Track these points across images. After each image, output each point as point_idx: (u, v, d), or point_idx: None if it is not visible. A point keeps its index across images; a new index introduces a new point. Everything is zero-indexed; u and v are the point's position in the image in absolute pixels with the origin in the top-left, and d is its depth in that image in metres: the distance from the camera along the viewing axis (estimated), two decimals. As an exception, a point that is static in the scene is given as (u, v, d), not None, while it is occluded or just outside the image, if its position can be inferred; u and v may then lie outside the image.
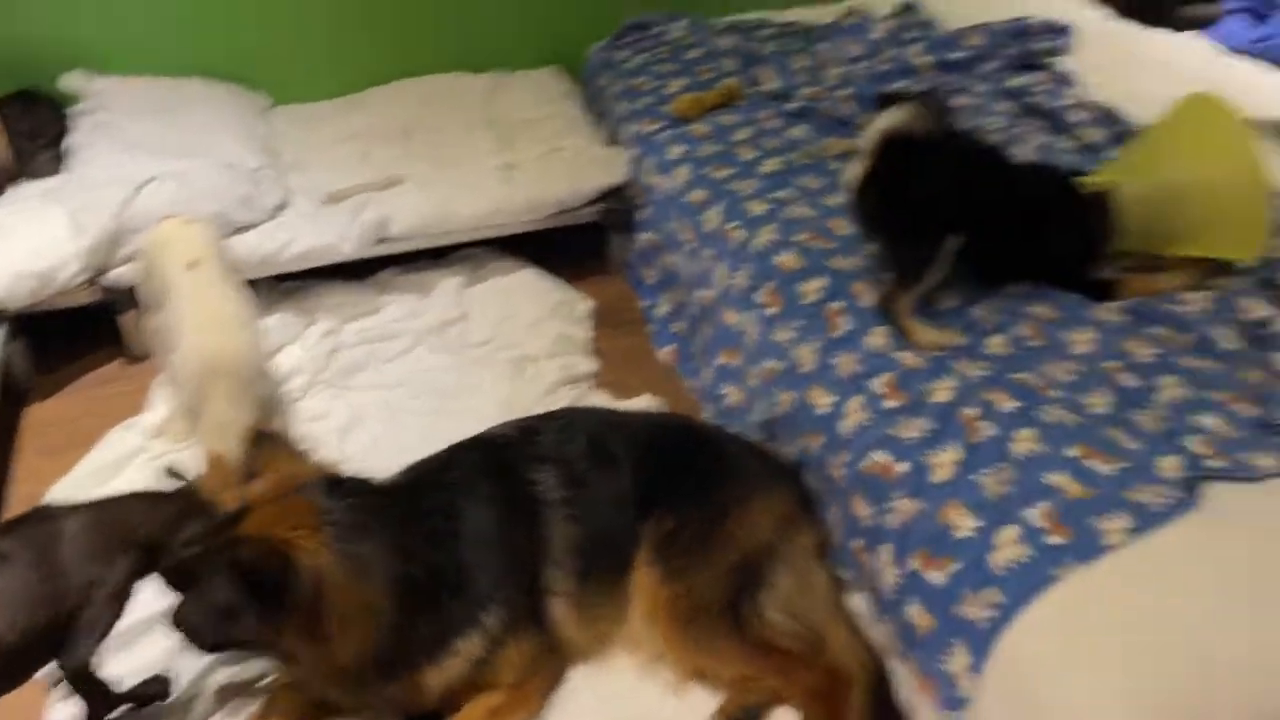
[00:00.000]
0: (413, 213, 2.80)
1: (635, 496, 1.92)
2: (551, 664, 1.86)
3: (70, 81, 3.01)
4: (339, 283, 2.89)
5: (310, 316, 2.78)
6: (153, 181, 2.59)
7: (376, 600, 1.64)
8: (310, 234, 2.73)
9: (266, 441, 1.82)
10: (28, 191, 2.78)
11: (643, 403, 2.50)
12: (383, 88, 3.37)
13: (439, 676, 1.74)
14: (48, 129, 2.90)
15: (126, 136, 2.79)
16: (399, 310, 2.83)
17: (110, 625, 1.66)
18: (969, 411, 1.86)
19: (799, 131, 2.81)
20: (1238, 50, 3.24)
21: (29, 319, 2.59)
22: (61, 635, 1.61)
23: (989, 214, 2.15)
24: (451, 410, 2.50)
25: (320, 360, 2.65)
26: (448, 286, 2.89)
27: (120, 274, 2.56)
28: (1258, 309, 2.06)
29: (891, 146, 2.06)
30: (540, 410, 2.16)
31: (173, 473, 1.81)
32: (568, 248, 3.04)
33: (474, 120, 3.21)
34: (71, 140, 2.87)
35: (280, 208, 2.78)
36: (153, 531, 1.69)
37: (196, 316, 2.24)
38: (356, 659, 1.65)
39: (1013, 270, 2.22)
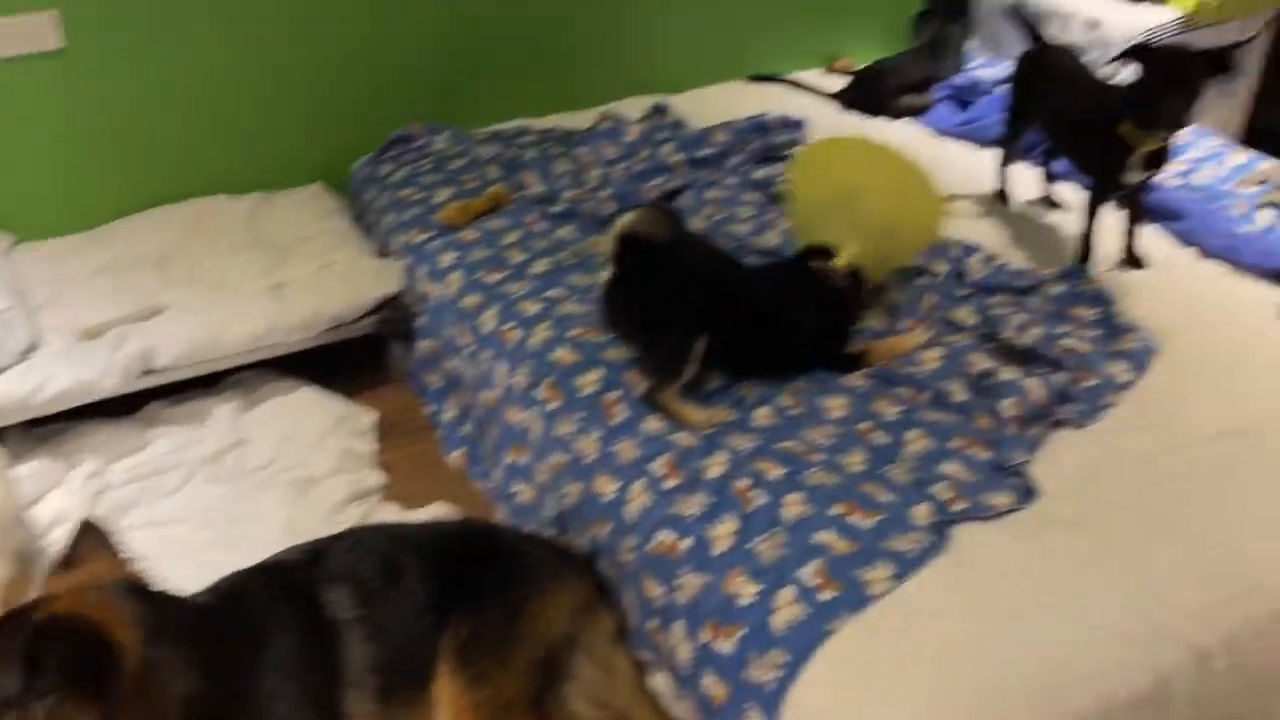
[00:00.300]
0: (179, 341, 2.71)
1: (430, 606, 1.90)
2: None
3: None
4: (103, 421, 2.74)
5: (72, 459, 2.62)
6: (-122, 333, 2.41)
7: (170, 714, 1.55)
8: (66, 373, 2.59)
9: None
10: None
11: (434, 511, 2.49)
12: (139, 215, 3.25)
13: None
14: None
15: None
16: (170, 443, 2.71)
17: None
18: (741, 483, 1.98)
19: (565, 232, 2.93)
20: (946, 133, 3.66)
21: None
22: None
23: (730, 313, 2.31)
24: (232, 540, 2.40)
25: (85, 504, 2.50)
26: (222, 413, 2.79)
27: None
28: (981, 362, 2.31)
29: (629, 248, 2.21)
30: (326, 531, 2.12)
31: None
32: (347, 362, 3.01)
33: (240, 242, 3.16)
34: None
35: (30, 349, 2.62)
36: None
37: None
38: None
39: (767, 364, 2.36)
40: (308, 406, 2.86)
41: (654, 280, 2.23)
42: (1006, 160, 3.14)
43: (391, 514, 2.52)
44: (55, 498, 2.51)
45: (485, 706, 1.83)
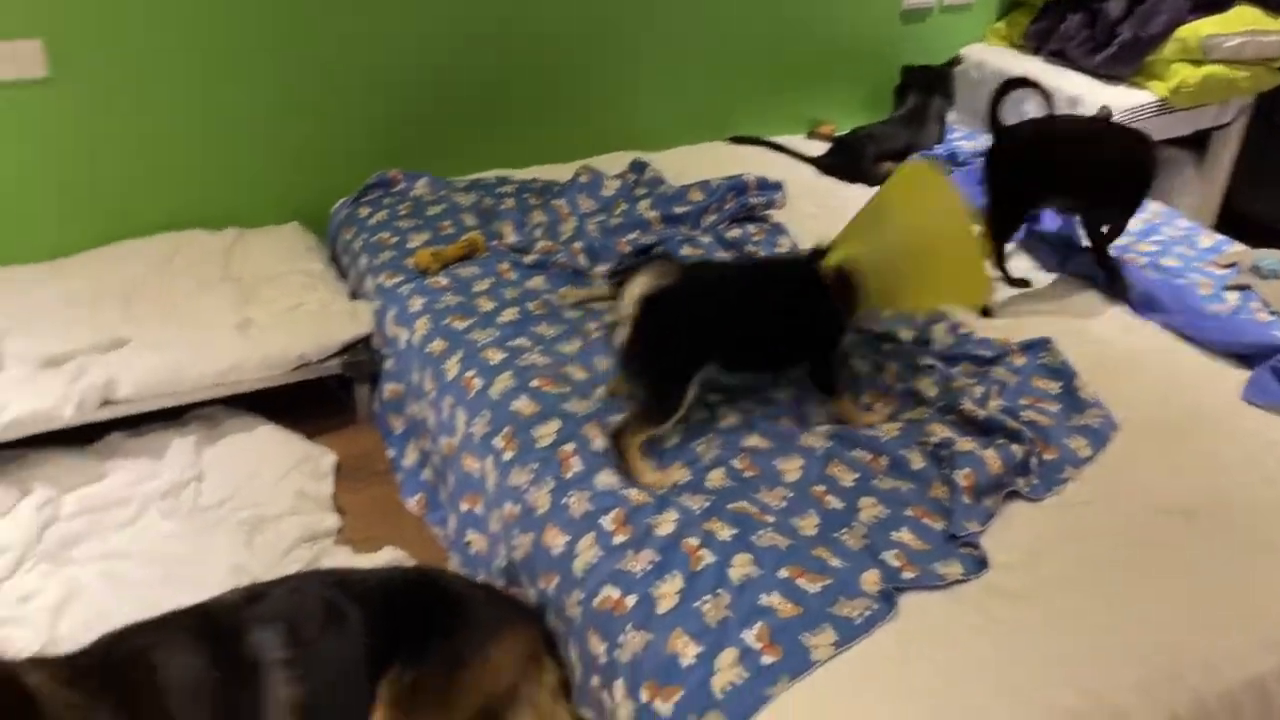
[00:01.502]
0: (141, 373, 2.69)
1: (369, 654, 1.87)
2: None
3: None
4: (58, 450, 2.72)
5: (24, 488, 2.58)
6: None
7: None
8: (25, 400, 2.56)
9: None
10: None
11: (386, 556, 2.47)
12: (111, 246, 3.24)
13: None
14: None
15: None
16: (126, 476, 2.68)
17: None
18: (690, 541, 1.96)
19: (536, 282, 2.94)
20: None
21: None
22: None
23: (745, 322, 2.36)
24: (180, 578, 2.37)
25: (32, 535, 2.46)
26: (181, 447, 2.77)
27: None
28: (941, 431, 2.31)
29: (650, 305, 2.21)
30: (275, 575, 2.09)
31: None
32: (313, 401, 3.00)
33: (210, 277, 3.15)
34: None
35: (-12, 376, 2.61)
36: None
37: None
38: None
39: (769, 362, 2.44)
40: (268, 445, 2.85)
41: (666, 331, 2.25)
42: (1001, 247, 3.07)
43: (343, 558, 2.50)
44: (2, 527, 2.48)
45: None
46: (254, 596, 1.90)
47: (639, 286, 2.23)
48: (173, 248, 3.26)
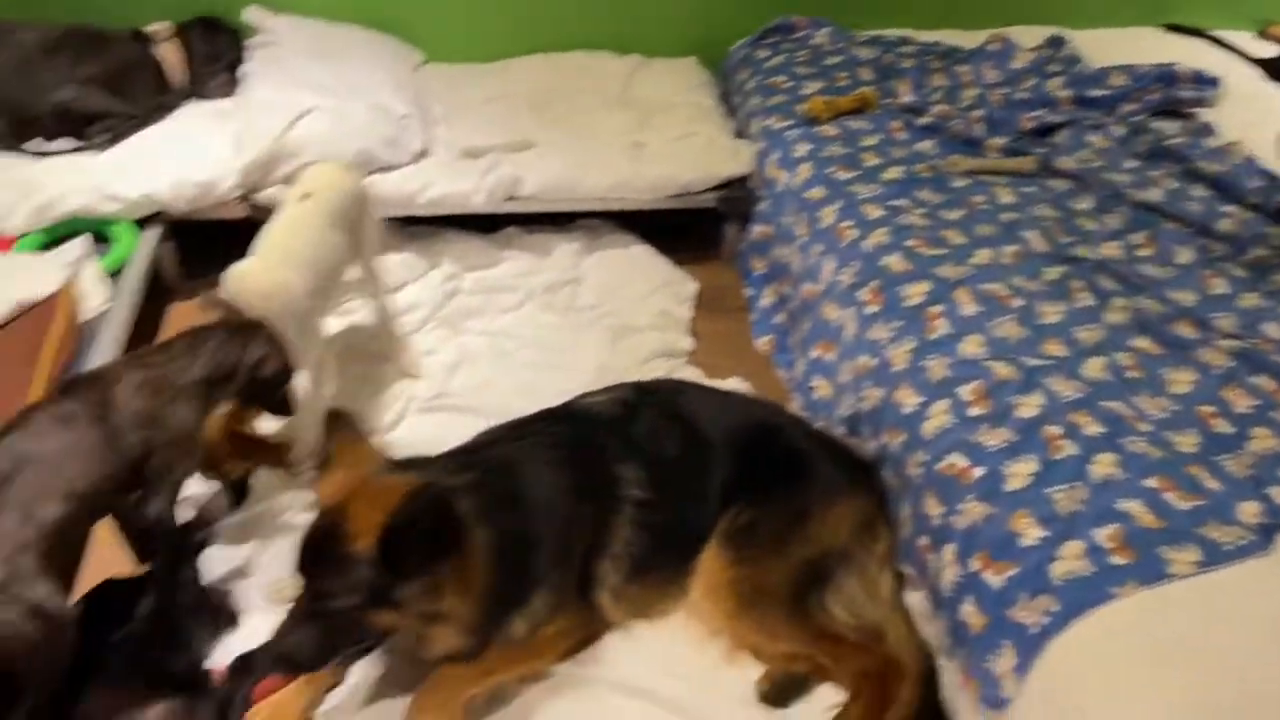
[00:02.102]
0: (543, 176, 2.93)
1: (718, 491, 1.98)
2: (581, 634, 1.90)
3: (251, 16, 3.23)
4: (464, 234, 3.05)
5: (434, 260, 2.94)
6: (311, 113, 2.78)
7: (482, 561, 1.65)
8: (446, 182, 2.88)
9: (338, 423, 1.74)
10: (200, 109, 3.01)
11: (731, 385, 2.57)
12: (529, 57, 3.52)
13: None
14: (225, 55, 3.12)
15: (293, 71, 2.99)
16: (517, 266, 2.97)
17: (181, 474, 1.81)
18: (1053, 429, 1.88)
19: (926, 146, 2.85)
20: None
21: (181, 225, 2.81)
22: (129, 484, 1.77)
23: None
24: (552, 365, 2.62)
25: (438, 301, 2.80)
26: (565, 250, 3.02)
27: (270, 195, 2.75)
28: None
29: None
30: (633, 378, 2.25)
31: (208, 300, 1.99)
32: (682, 231, 3.13)
33: (611, 98, 3.34)
34: (245, 68, 3.09)
35: (421, 155, 2.94)
36: (204, 370, 1.84)
37: (265, 242, 2.17)
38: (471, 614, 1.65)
39: None
40: (640, 263, 3.03)
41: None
42: None
43: (693, 377, 2.63)
44: (413, 289, 2.84)
45: (743, 585, 1.90)
46: (626, 412, 2.01)
47: None
48: (584, 65, 3.47)
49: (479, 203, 2.89)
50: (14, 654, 1.50)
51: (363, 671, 1.83)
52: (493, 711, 1.80)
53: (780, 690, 1.87)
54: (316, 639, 1.57)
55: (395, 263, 2.81)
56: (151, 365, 1.84)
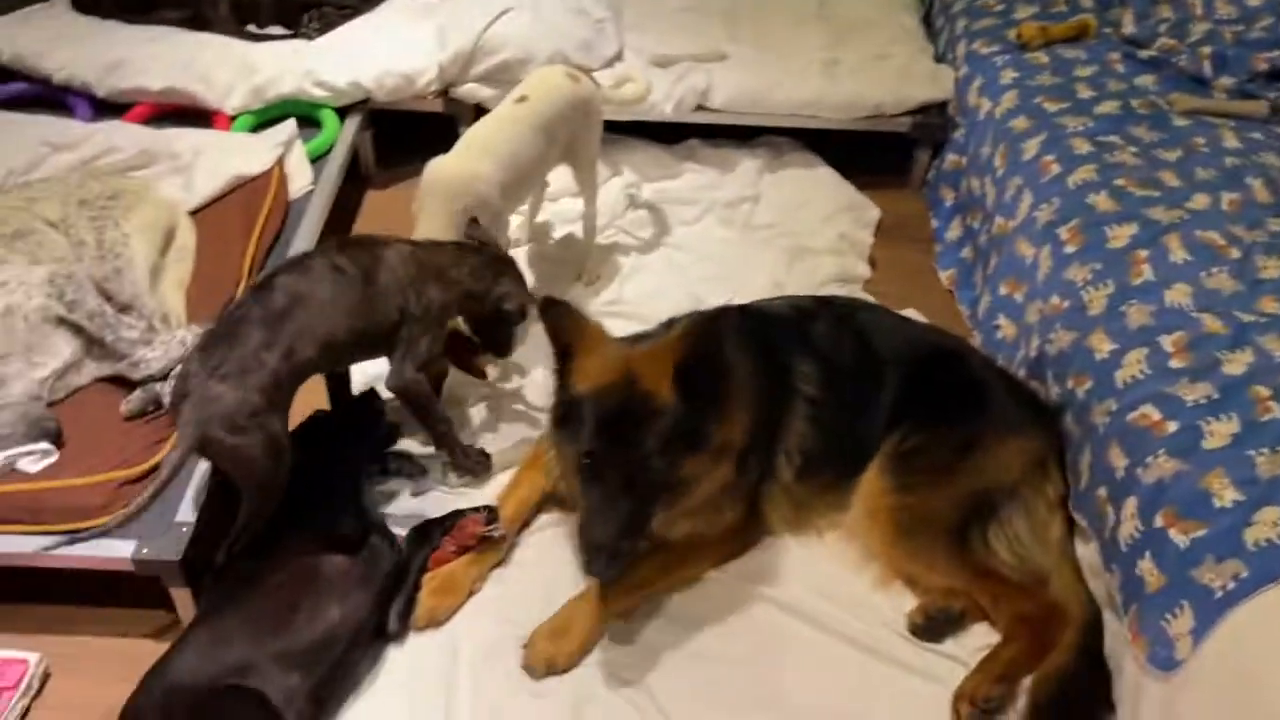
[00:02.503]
0: (734, 88, 2.89)
1: (887, 409, 1.95)
2: (742, 537, 1.93)
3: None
4: (646, 142, 3.05)
5: (616, 169, 2.95)
6: (510, 12, 2.81)
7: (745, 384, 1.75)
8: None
9: (562, 312, 1.72)
10: (407, 4, 3.09)
11: (908, 314, 2.51)
12: (726, -33, 3.44)
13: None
14: (432, -49, 3.19)
15: (497, -30, 3.02)
16: (698, 180, 2.96)
17: (428, 349, 1.91)
18: (1261, 389, 1.76)
19: (1146, 80, 2.67)
20: None
21: (378, 115, 2.91)
22: (378, 343, 1.89)
23: None
24: (725, 280, 2.62)
25: (617, 209, 2.83)
26: (748, 167, 2.98)
27: (466, 90, 2.82)
28: None
29: None
30: (807, 299, 2.22)
31: (472, 231, 2.05)
32: (867, 155, 3.05)
33: (807, 13, 3.25)
34: (450, -35, 3.15)
35: (614, 60, 2.94)
36: (461, 276, 1.94)
37: (469, 135, 2.23)
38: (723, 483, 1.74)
39: None
40: (822, 184, 2.96)
41: None
42: None
43: (869, 304, 2.58)
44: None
45: (905, 513, 1.88)
46: (804, 316, 2.02)
47: None
48: (780, -23, 3.38)
49: (668, 110, 2.88)
50: (255, 476, 1.68)
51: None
52: (652, 615, 1.86)
53: (933, 623, 1.85)
54: (629, 513, 1.62)
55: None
56: (420, 248, 1.96)
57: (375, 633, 1.76)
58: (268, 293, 1.77)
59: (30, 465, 1.83)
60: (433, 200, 2.12)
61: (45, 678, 1.78)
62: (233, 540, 1.74)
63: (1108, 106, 2.53)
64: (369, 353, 1.94)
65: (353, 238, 2.01)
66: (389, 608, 1.77)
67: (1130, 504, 1.75)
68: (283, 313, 1.74)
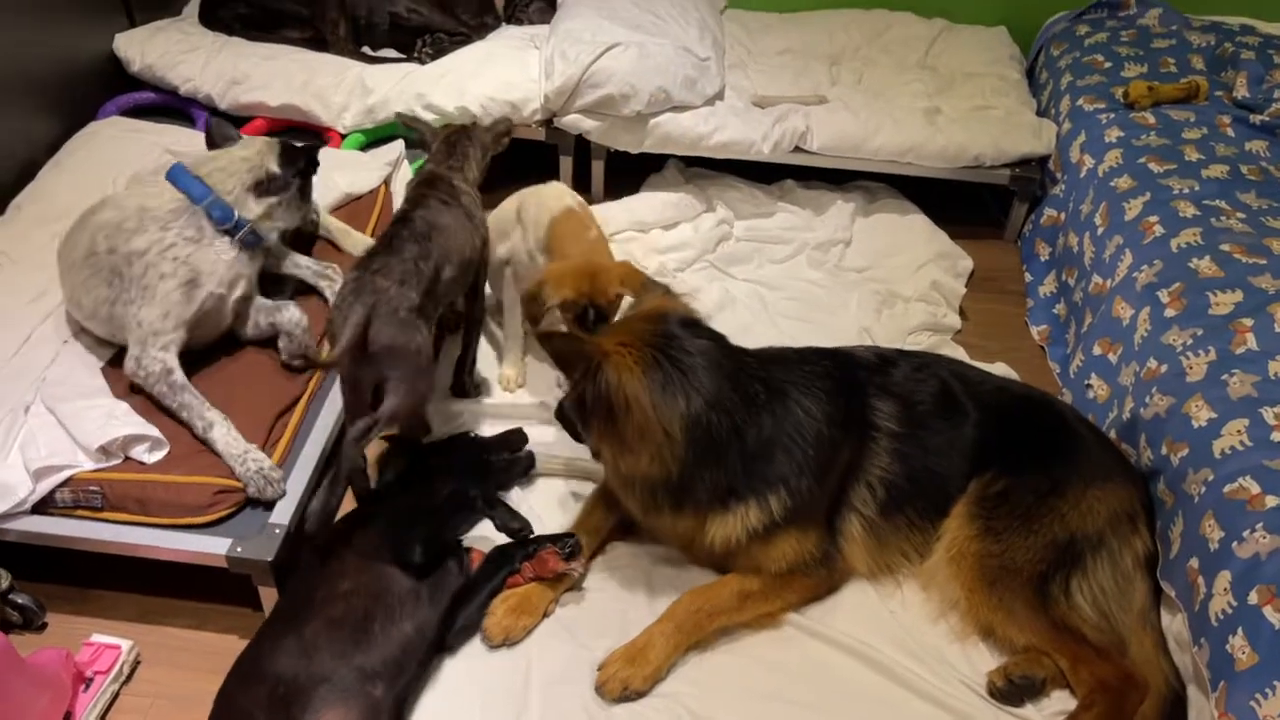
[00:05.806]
0: (833, 131, 2.90)
1: (972, 451, 1.94)
2: (821, 574, 1.91)
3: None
4: (742, 180, 3.07)
5: (710, 203, 2.98)
6: (618, 47, 2.87)
7: (669, 429, 1.71)
8: (736, 127, 2.90)
9: (651, 286, 2.04)
10: (514, 33, 3.18)
11: (999, 370, 2.48)
12: (830, 12, 3.48)
13: (719, 529, 1.82)
14: (544, -18, 3.28)
15: (606, 5, 3.09)
16: (791, 220, 2.97)
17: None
18: (1371, 470, 1.71)
19: (1258, 146, 2.61)
20: None
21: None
22: (470, 280, 2.14)
23: None
24: (815, 322, 2.62)
25: (709, 243, 2.86)
26: (841, 209, 2.99)
27: (569, 121, 2.88)
28: None
29: None
30: (896, 346, 2.22)
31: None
32: (963, 205, 3.03)
33: (909, 61, 3.25)
34: (561, -1, 3.24)
35: (715, 98, 2.98)
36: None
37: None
38: (646, 476, 1.77)
39: None
40: (915, 231, 2.95)
41: None
42: None
43: (958, 356, 2.56)
44: (685, 228, 2.90)
45: (991, 559, 1.86)
46: (885, 362, 2.03)
47: None
48: (884, 25, 3.39)
49: (765, 150, 2.90)
50: (406, 379, 1.84)
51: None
52: (725, 649, 1.86)
53: (1013, 688, 1.81)
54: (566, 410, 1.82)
55: (671, 201, 2.89)
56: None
57: (434, 648, 1.78)
58: (409, 222, 1.99)
59: (145, 455, 1.90)
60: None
61: (135, 665, 1.84)
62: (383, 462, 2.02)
63: (1216, 170, 2.48)
64: (462, 290, 2.16)
65: (419, 177, 2.19)
66: (452, 623, 1.80)
67: (1223, 578, 1.71)
68: (425, 234, 1.97)
